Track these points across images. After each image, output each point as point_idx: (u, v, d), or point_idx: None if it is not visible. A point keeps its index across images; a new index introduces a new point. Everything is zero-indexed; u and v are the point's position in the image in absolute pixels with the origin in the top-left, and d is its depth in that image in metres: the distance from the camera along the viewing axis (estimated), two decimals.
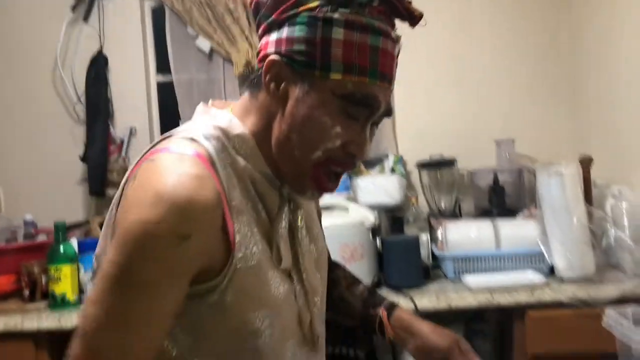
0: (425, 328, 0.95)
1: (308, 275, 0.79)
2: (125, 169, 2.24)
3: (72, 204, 2.25)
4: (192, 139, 0.71)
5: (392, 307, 0.97)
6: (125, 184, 0.72)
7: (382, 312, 0.96)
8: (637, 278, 1.52)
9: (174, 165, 0.67)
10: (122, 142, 2.22)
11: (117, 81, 2.29)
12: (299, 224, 0.80)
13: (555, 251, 1.58)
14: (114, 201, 0.73)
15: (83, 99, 2.25)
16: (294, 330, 0.78)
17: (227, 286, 0.69)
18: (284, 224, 0.76)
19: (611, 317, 1.23)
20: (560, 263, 1.58)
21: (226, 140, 0.73)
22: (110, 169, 2.20)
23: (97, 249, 0.76)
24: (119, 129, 2.27)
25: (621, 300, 1.36)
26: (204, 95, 2.29)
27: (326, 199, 1.80)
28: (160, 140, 0.74)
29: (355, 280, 1.04)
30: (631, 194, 1.60)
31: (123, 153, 2.22)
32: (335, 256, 1.62)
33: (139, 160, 0.73)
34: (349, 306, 0.96)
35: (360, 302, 0.99)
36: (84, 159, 2.22)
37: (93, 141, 2.18)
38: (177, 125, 0.80)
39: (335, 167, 0.74)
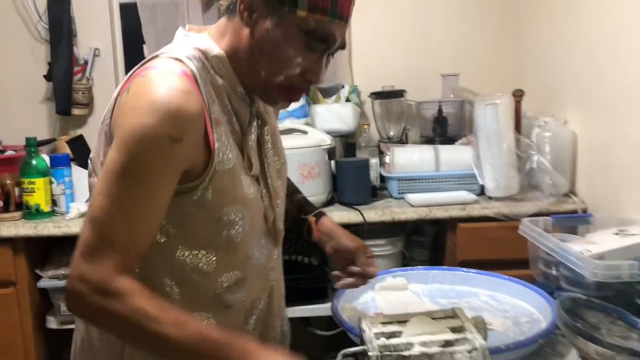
0: (341, 233, 1.13)
1: (272, 181, 0.93)
2: (90, 89, 2.30)
3: (37, 122, 2.30)
4: (177, 59, 0.81)
5: (319, 215, 1.15)
6: (117, 97, 0.82)
7: (311, 218, 1.13)
8: (553, 197, 1.76)
9: (165, 79, 0.77)
10: (85, 62, 2.26)
11: (80, 1, 2.29)
12: (266, 137, 0.93)
13: (486, 173, 1.81)
14: (106, 114, 0.84)
15: (45, 17, 2.25)
16: (260, 225, 0.93)
17: (208, 185, 0.82)
18: (253, 137, 0.89)
19: (526, 226, 1.47)
20: (489, 184, 1.81)
21: (205, 61, 0.84)
22: (75, 89, 2.25)
23: (92, 153, 0.89)
24: (82, 50, 2.29)
25: (537, 215, 1.61)
26: (167, 18, 2.32)
27: (287, 123, 1.96)
28: (148, 60, 0.85)
29: (295, 190, 1.20)
30: (554, 125, 1.82)
31: (87, 74, 2.26)
32: (294, 174, 1.80)
33: (128, 78, 0.83)
34: (286, 210, 1.05)
35: (296, 208, 1.15)
36: (49, 78, 2.25)
37: (57, 60, 2.20)
38: (140, 48, 0.93)
39: (294, 90, 0.87)
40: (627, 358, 0.94)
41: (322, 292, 1.85)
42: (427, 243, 2.05)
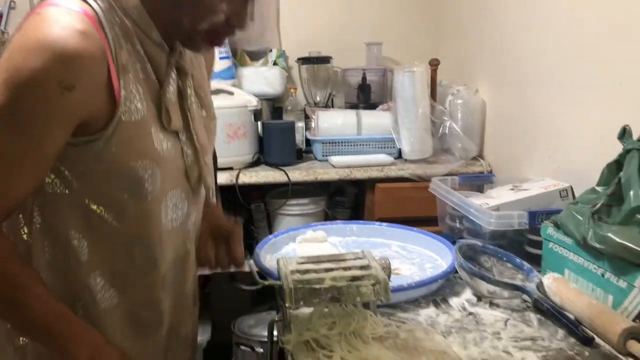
0: (221, 212, 1.10)
1: (198, 137, 0.87)
2: (4, 43, 2.18)
3: None
4: None
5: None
6: (11, 37, 0.74)
7: None
8: (462, 160, 1.91)
9: (60, 18, 0.69)
10: (0, 15, 2.15)
11: None
12: (188, 90, 0.87)
13: (403, 137, 1.93)
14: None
15: None
16: (180, 184, 0.86)
17: (112, 136, 0.75)
18: (172, 88, 0.83)
19: (435, 184, 1.60)
20: (406, 147, 1.93)
21: (114, 2, 0.76)
22: None
23: None
24: None
25: (448, 176, 1.75)
26: None
27: (213, 84, 1.97)
28: None
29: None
30: (466, 93, 1.96)
31: (2, 27, 2.15)
32: (220, 134, 1.83)
33: (25, 17, 0.74)
34: None
35: None
36: None
37: None
38: None
39: (219, 34, 0.83)
40: (511, 293, 1.08)
41: (249, 249, 1.91)
42: (348, 203, 2.16)
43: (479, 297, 1.11)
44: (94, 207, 0.80)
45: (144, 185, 0.80)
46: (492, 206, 1.31)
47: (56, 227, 0.80)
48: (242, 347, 1.89)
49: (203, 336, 1.97)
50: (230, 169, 1.84)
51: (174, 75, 0.84)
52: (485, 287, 1.10)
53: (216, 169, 1.16)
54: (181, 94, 0.86)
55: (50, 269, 0.81)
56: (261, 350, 1.86)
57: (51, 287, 0.79)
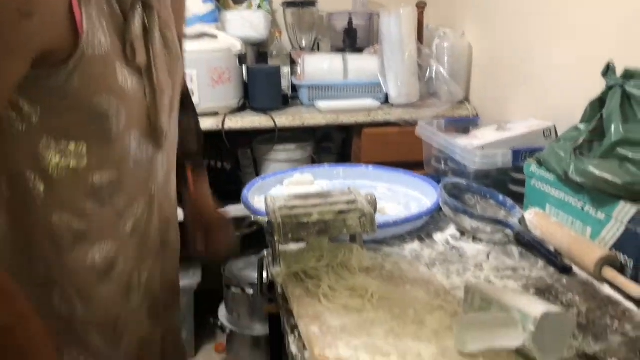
0: (211, 202, 1.07)
1: (158, 76, 0.83)
2: None
3: None
4: None
5: (200, 176, 1.06)
6: None
7: (189, 166, 1.04)
8: (449, 104, 1.92)
9: None
10: None
11: None
12: (153, 26, 0.83)
13: (390, 81, 1.92)
14: None
15: None
16: (141, 123, 0.83)
17: (74, 70, 0.72)
18: (137, 23, 0.79)
19: (421, 127, 1.61)
20: (392, 91, 1.92)
21: None
22: None
23: None
24: None
25: (434, 119, 1.75)
26: None
27: (197, 27, 1.93)
28: None
29: (192, 132, 1.09)
30: (453, 36, 1.94)
31: None
32: (205, 78, 1.81)
33: None
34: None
35: (181, 154, 1.01)
36: None
37: None
38: None
39: None
40: (494, 228, 1.11)
41: (236, 194, 1.92)
42: (335, 149, 2.17)
43: (463, 233, 1.14)
44: (53, 144, 0.76)
45: (107, 123, 0.77)
46: (477, 146, 1.32)
47: (8, 165, 0.76)
48: (233, 289, 1.94)
49: (193, 280, 2.01)
50: (216, 114, 1.82)
51: (139, 9, 0.80)
52: (468, 222, 1.12)
53: (195, 115, 1.12)
54: (146, 29, 0.81)
55: (6, 211, 0.78)
56: (251, 291, 1.91)
57: (9, 230, 0.77)
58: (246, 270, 1.96)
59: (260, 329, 1.93)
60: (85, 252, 0.83)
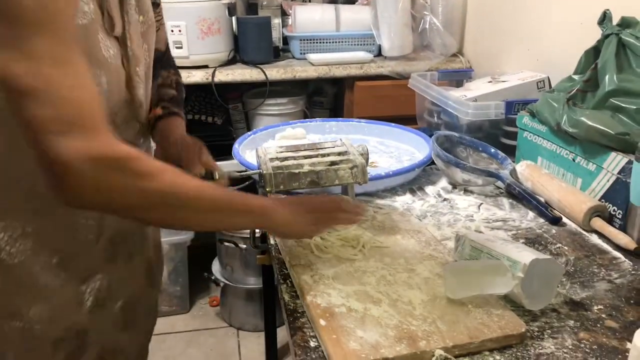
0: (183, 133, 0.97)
1: (132, 44, 0.81)
2: None
3: None
4: None
5: (171, 114, 0.97)
6: None
7: (158, 110, 0.97)
8: (442, 56, 1.89)
9: None
10: None
11: None
12: None
13: (383, 33, 1.88)
14: None
15: None
16: (122, 93, 0.81)
17: None
18: None
19: (414, 79, 1.59)
20: (385, 43, 1.89)
21: None
22: None
23: None
24: None
25: (427, 72, 1.73)
26: None
27: None
28: None
29: (171, 85, 1.03)
30: None
31: None
32: (194, 29, 1.76)
33: None
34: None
35: (157, 100, 0.99)
36: None
37: None
38: None
39: None
40: (485, 180, 1.11)
41: (228, 149, 1.91)
42: (327, 103, 2.15)
43: (454, 185, 1.14)
44: None
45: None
46: (470, 98, 1.31)
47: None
48: (226, 244, 1.95)
49: (186, 235, 2.02)
50: (206, 67, 1.79)
51: None
52: (460, 175, 1.13)
53: (177, 72, 1.05)
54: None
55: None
56: (244, 246, 1.92)
57: None
58: None
59: (253, 282, 1.96)
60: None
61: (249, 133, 1.38)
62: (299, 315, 0.72)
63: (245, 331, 2.03)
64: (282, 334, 1.90)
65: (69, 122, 0.59)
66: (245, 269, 1.96)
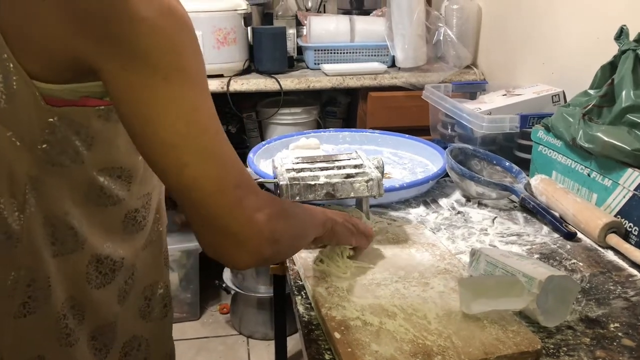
0: None
1: None
2: None
3: None
4: None
5: None
6: None
7: None
8: (456, 68, 1.89)
9: None
10: None
11: None
12: None
13: (397, 44, 1.89)
14: None
15: None
16: None
17: None
18: None
19: (428, 90, 1.60)
20: (399, 54, 1.89)
21: None
22: None
23: None
24: None
25: (441, 83, 1.74)
26: None
27: None
28: None
29: None
30: None
31: None
32: (210, 39, 1.78)
33: None
34: None
35: None
36: None
37: None
38: None
39: None
40: (499, 194, 1.11)
41: (242, 158, 1.92)
42: (341, 113, 2.16)
43: (468, 198, 1.14)
44: None
45: None
46: (484, 111, 1.31)
47: None
48: None
49: (197, 242, 2.03)
50: (221, 76, 1.81)
51: None
52: (474, 188, 1.13)
53: None
54: None
55: None
56: None
57: None
58: None
59: (264, 290, 1.96)
60: None
61: (263, 142, 1.39)
62: (313, 327, 0.72)
63: (255, 339, 2.03)
64: (292, 343, 1.90)
65: (242, 183, 0.56)
66: (256, 277, 1.97)
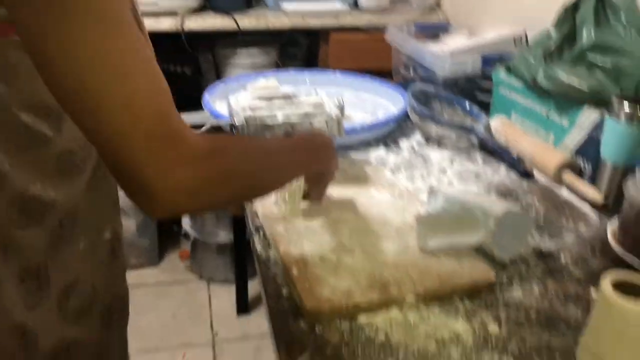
0: None
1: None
2: None
3: None
4: None
5: None
6: None
7: None
8: (420, 9, 1.85)
9: None
10: None
11: None
12: None
13: None
14: None
15: None
16: None
17: None
18: None
19: (391, 32, 1.56)
20: None
21: None
22: None
23: None
24: None
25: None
26: None
27: None
28: None
29: None
30: None
31: None
32: None
33: None
34: None
35: None
36: None
37: None
38: None
39: None
40: (459, 134, 1.11)
41: (197, 100, 1.86)
42: (301, 55, 2.10)
43: (428, 139, 1.14)
44: None
45: None
46: (446, 52, 1.29)
47: None
48: None
49: None
50: (174, 14, 1.71)
51: None
52: (434, 129, 1.12)
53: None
54: None
55: None
56: None
57: None
58: None
59: (224, 236, 1.95)
60: None
61: (219, 83, 1.34)
62: (271, 265, 0.71)
63: (216, 283, 2.03)
64: (252, 286, 1.91)
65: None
66: (216, 223, 1.95)
